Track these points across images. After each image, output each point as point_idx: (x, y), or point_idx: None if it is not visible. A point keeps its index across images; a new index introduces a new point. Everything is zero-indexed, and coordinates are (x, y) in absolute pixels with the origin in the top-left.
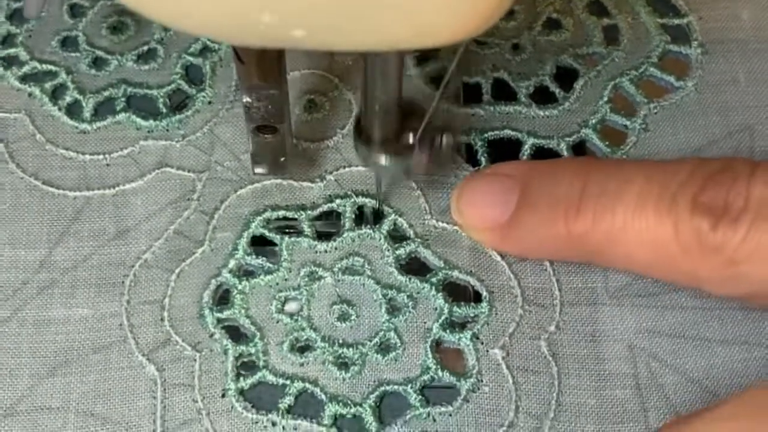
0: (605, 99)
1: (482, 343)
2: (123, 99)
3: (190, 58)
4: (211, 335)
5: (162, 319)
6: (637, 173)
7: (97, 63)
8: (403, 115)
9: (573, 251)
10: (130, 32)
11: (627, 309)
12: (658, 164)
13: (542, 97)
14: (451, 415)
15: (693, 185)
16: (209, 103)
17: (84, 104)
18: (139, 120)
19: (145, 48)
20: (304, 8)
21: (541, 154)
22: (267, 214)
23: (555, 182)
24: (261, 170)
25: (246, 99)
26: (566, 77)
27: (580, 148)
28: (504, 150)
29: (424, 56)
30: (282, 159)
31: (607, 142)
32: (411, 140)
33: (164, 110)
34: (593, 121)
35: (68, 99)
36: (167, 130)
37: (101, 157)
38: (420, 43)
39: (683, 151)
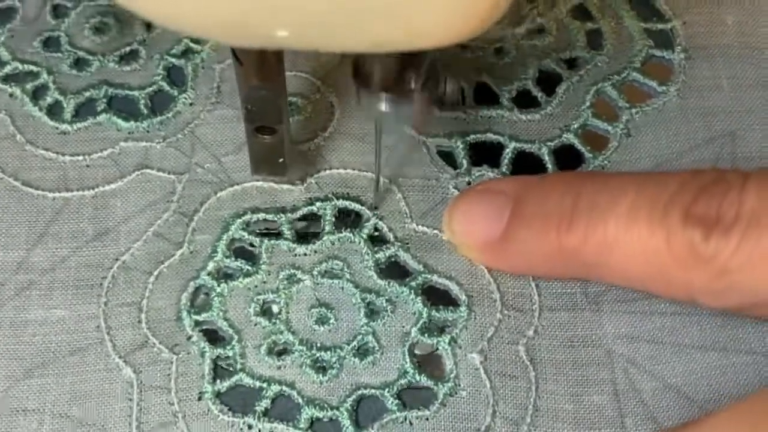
0: (587, 104)
1: (460, 348)
2: (104, 100)
3: (173, 60)
4: (189, 338)
5: (139, 322)
6: (628, 186)
7: (79, 64)
8: (403, 59)
9: (566, 266)
10: (112, 33)
11: (606, 315)
12: (650, 176)
13: (524, 101)
14: (428, 419)
15: (685, 197)
16: (191, 104)
17: (65, 105)
18: (120, 121)
19: (128, 49)
20: (295, 9)
21: (523, 158)
22: (246, 217)
23: (547, 197)
24: (260, 171)
25: (244, 100)
26: (549, 82)
27: (561, 153)
28: (486, 154)
29: None
30: (281, 160)
31: (588, 147)
32: (413, 85)
33: (145, 111)
34: (575, 125)
35: (49, 99)
36: (148, 132)
37: (81, 158)
38: (413, 45)
39: (665, 156)
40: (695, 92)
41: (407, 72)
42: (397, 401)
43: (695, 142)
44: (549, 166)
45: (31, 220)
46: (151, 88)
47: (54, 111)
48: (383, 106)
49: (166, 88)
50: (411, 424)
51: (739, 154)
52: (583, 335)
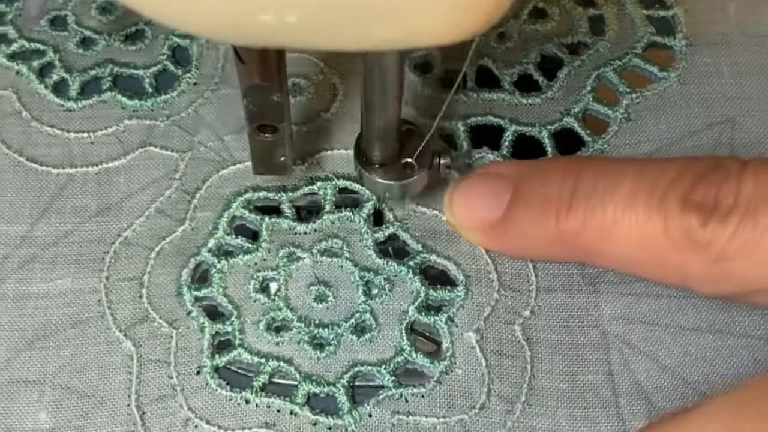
0: (588, 88)
1: (457, 327)
2: (109, 78)
3: (178, 40)
4: (189, 313)
5: (140, 296)
6: (627, 171)
7: (85, 42)
8: (401, 138)
9: (565, 250)
10: (118, 13)
11: (602, 296)
12: (649, 162)
13: (526, 85)
14: (423, 396)
15: (683, 183)
16: (195, 84)
17: (71, 83)
18: (124, 99)
19: (133, 29)
20: (296, 8)
21: (524, 141)
22: (248, 195)
23: (546, 181)
24: (260, 170)
25: (245, 98)
26: (550, 66)
27: (561, 136)
28: (486, 136)
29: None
30: (282, 158)
31: (588, 131)
32: (410, 161)
33: (150, 90)
34: (576, 109)
35: (55, 77)
36: (152, 110)
37: (86, 135)
38: (414, 44)
39: (664, 141)
40: (696, 78)
41: (405, 151)
42: (393, 378)
43: (695, 128)
44: (549, 149)
45: (35, 195)
46: (155, 68)
47: (60, 88)
48: (382, 181)
49: (171, 67)
50: (407, 401)
51: (738, 140)
52: (579, 316)
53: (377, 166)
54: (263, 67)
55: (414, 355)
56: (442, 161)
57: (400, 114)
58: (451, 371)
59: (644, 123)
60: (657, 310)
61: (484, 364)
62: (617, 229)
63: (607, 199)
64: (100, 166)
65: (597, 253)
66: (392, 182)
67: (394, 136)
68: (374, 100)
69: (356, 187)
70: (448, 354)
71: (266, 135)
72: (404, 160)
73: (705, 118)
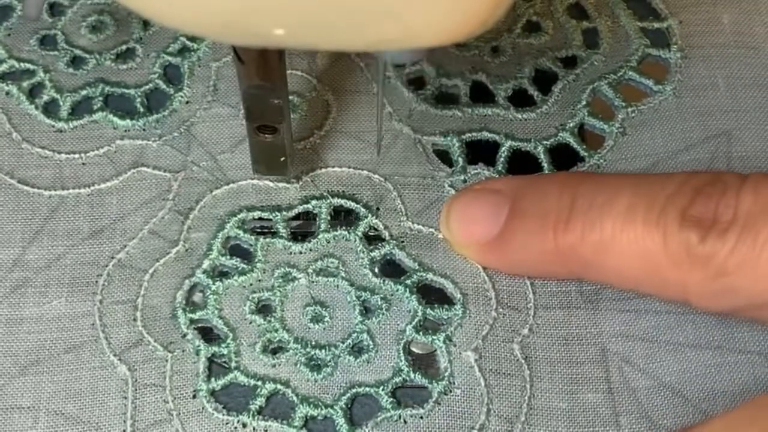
0: (583, 103)
1: (455, 346)
2: (100, 98)
3: (169, 58)
4: (184, 336)
5: (135, 319)
6: (625, 186)
7: (76, 62)
8: None
9: (563, 265)
10: (109, 31)
11: (601, 313)
12: (648, 177)
13: (520, 99)
14: (422, 417)
15: (682, 198)
16: (187, 103)
17: (61, 103)
18: (116, 119)
19: (124, 47)
20: (294, 7)
21: (519, 156)
22: (242, 215)
23: (544, 196)
24: (261, 170)
25: (245, 99)
26: (545, 80)
27: (557, 151)
28: (481, 152)
29: None
30: (282, 159)
31: (584, 146)
32: None
33: (141, 110)
34: (571, 124)
35: (45, 98)
36: (144, 130)
37: (77, 156)
38: (412, 43)
39: (661, 155)
40: (691, 91)
41: None
42: (391, 399)
43: (691, 142)
44: (545, 164)
45: (26, 217)
46: (147, 87)
47: (50, 109)
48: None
49: (163, 86)
50: (405, 422)
51: (734, 153)
52: (578, 333)
53: None
54: (263, 67)
55: (412, 375)
56: None
57: None
58: (450, 391)
59: (640, 137)
60: (656, 327)
61: (483, 383)
62: (615, 244)
63: (605, 214)
64: (92, 188)
65: (595, 268)
66: None
67: None
68: None
69: (351, 204)
70: (447, 374)
71: (266, 135)
72: None
73: (701, 132)
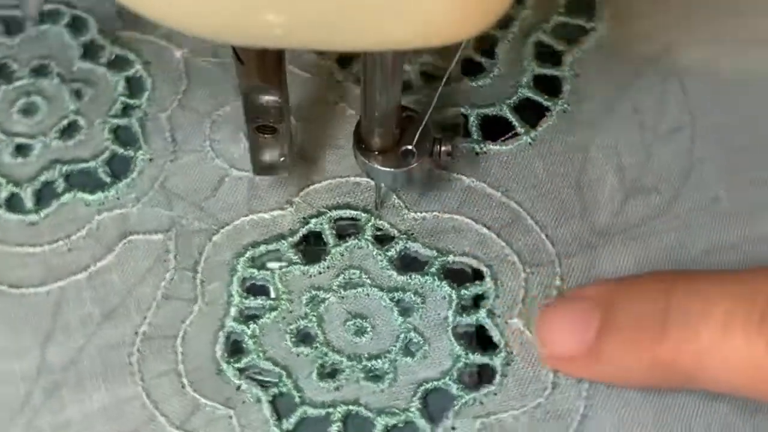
0: (530, 57)
1: (499, 317)
2: (61, 180)
3: (116, 121)
4: (238, 388)
5: (183, 386)
6: (720, 288)
7: (21, 150)
8: (401, 124)
9: (662, 377)
10: (43, 110)
11: (618, 239)
12: (741, 276)
13: (470, 69)
14: (495, 393)
15: None
16: (150, 160)
17: (23, 195)
18: (86, 196)
19: (65, 122)
20: (297, 6)
21: (488, 122)
22: (249, 254)
23: (635, 304)
24: (261, 171)
25: (245, 100)
26: (487, 45)
27: (522, 107)
28: (454, 127)
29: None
30: (282, 159)
31: (545, 96)
32: (410, 148)
33: (108, 180)
34: (525, 79)
35: (4, 194)
36: (118, 198)
37: (60, 243)
38: (420, 43)
39: (617, 85)
40: (625, 21)
41: (405, 137)
42: (460, 385)
43: (637, 67)
44: (515, 122)
45: (33, 320)
46: (104, 155)
47: (14, 205)
48: (382, 168)
49: (120, 150)
50: (482, 403)
51: (681, 66)
52: (605, 269)
53: (377, 153)
54: (263, 67)
55: (471, 356)
56: (442, 148)
57: (401, 98)
58: (512, 361)
59: (593, 75)
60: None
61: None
62: (715, 353)
63: (702, 324)
64: (88, 271)
65: (697, 378)
66: (396, 170)
67: (394, 122)
68: (375, 82)
69: (350, 213)
70: (502, 345)
71: (266, 135)
72: (404, 147)
73: (644, 55)
